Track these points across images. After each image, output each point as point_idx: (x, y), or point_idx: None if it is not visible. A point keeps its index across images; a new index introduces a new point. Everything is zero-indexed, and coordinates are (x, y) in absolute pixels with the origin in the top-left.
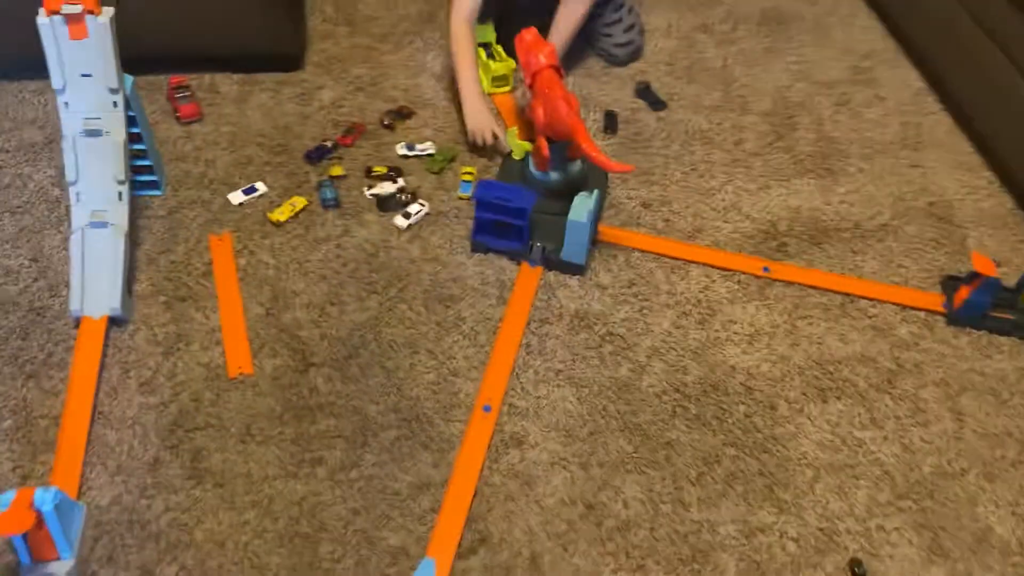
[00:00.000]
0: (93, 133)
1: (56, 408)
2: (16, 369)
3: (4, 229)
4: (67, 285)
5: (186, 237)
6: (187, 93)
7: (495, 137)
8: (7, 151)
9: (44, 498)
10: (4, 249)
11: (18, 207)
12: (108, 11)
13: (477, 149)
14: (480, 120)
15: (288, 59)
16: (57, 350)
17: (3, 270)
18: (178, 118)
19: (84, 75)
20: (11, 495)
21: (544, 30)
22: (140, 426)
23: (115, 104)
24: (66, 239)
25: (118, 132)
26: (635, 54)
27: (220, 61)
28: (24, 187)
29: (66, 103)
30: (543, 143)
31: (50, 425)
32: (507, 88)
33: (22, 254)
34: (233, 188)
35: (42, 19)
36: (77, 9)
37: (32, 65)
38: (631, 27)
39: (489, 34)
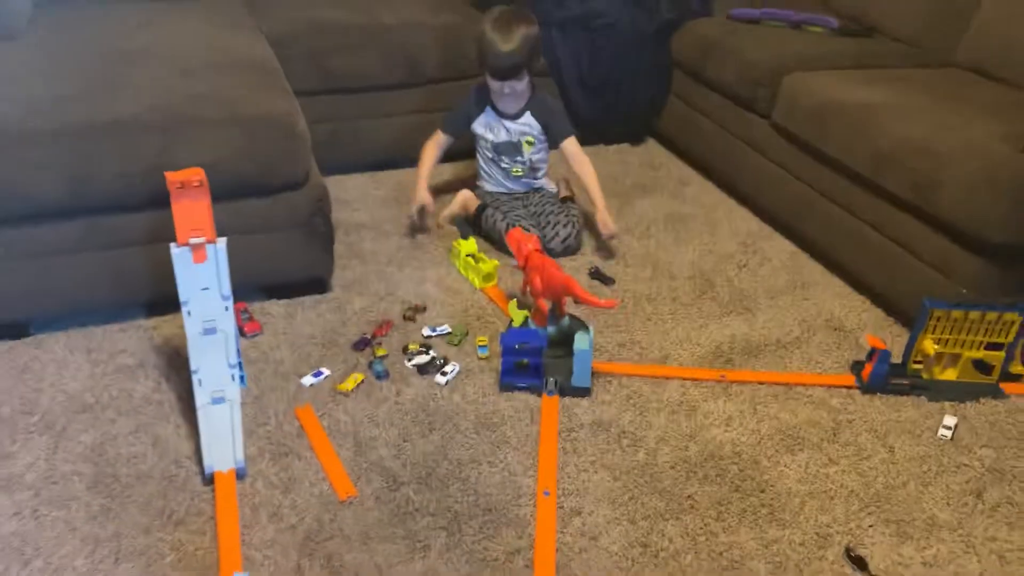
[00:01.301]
0: (209, 331)
1: (207, 543)
2: (164, 520)
3: (124, 427)
4: (188, 458)
5: (275, 412)
6: (248, 315)
7: (422, 210)
8: (108, 374)
9: None
10: (128, 440)
11: (128, 410)
12: (222, 240)
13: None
14: (419, 196)
15: (321, 283)
16: (195, 502)
17: (131, 455)
18: (244, 333)
19: (203, 288)
20: None
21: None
22: (279, 545)
23: (226, 308)
24: (176, 428)
25: (229, 328)
26: (571, 250)
27: (267, 289)
28: (131, 397)
29: (189, 312)
30: (543, 304)
31: (205, 554)
32: (494, 282)
33: (144, 442)
34: (301, 376)
35: (175, 249)
36: (201, 240)
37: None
38: (571, 234)
39: (471, 246)
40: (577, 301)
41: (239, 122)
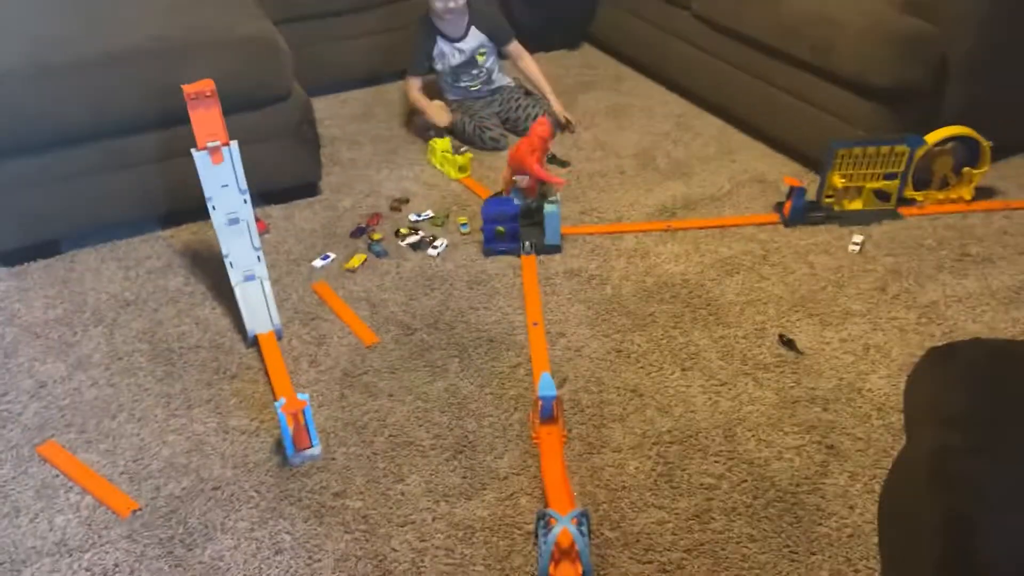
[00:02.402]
0: (233, 221)
1: (260, 388)
2: (221, 376)
3: (167, 313)
4: (229, 331)
5: (295, 289)
6: (255, 217)
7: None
8: (140, 276)
9: (304, 397)
10: (174, 323)
11: (167, 301)
12: (234, 143)
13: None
14: (439, 115)
15: (312, 187)
16: (244, 360)
17: (180, 333)
18: None
19: (223, 185)
20: (282, 401)
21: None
22: (322, 382)
23: (244, 201)
24: (212, 309)
25: (250, 218)
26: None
27: (265, 195)
28: (166, 291)
29: (213, 206)
30: (505, 176)
31: (262, 395)
32: (468, 172)
33: (187, 323)
34: (311, 260)
35: (196, 153)
36: (217, 143)
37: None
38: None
39: (446, 143)
40: (532, 175)
41: (229, 44)
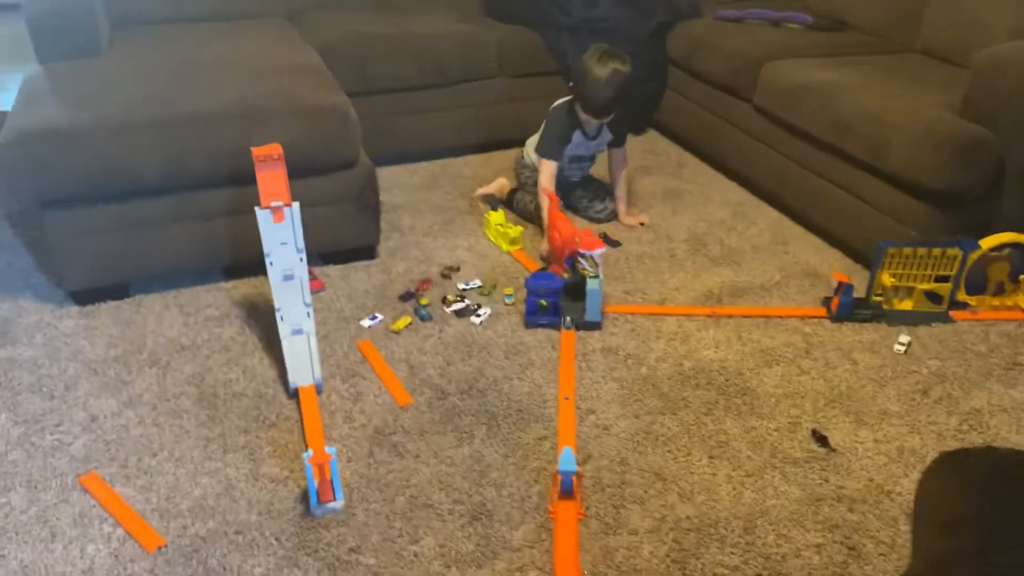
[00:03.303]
0: (288, 277)
1: (295, 439)
2: (259, 424)
3: (217, 360)
4: (274, 381)
5: (340, 346)
6: (312, 276)
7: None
8: (199, 323)
9: (331, 451)
10: (223, 369)
11: (219, 349)
12: (296, 204)
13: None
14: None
15: (370, 250)
16: (283, 411)
17: (227, 380)
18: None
19: (282, 243)
20: (309, 452)
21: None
22: (353, 438)
23: (300, 260)
24: (260, 360)
25: (303, 275)
26: (610, 218)
27: (325, 256)
28: (220, 339)
29: (271, 262)
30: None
31: (295, 446)
32: (519, 246)
33: (236, 371)
34: (360, 319)
35: (260, 211)
36: (279, 204)
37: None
38: (607, 208)
39: (500, 216)
40: (578, 245)
41: (302, 112)
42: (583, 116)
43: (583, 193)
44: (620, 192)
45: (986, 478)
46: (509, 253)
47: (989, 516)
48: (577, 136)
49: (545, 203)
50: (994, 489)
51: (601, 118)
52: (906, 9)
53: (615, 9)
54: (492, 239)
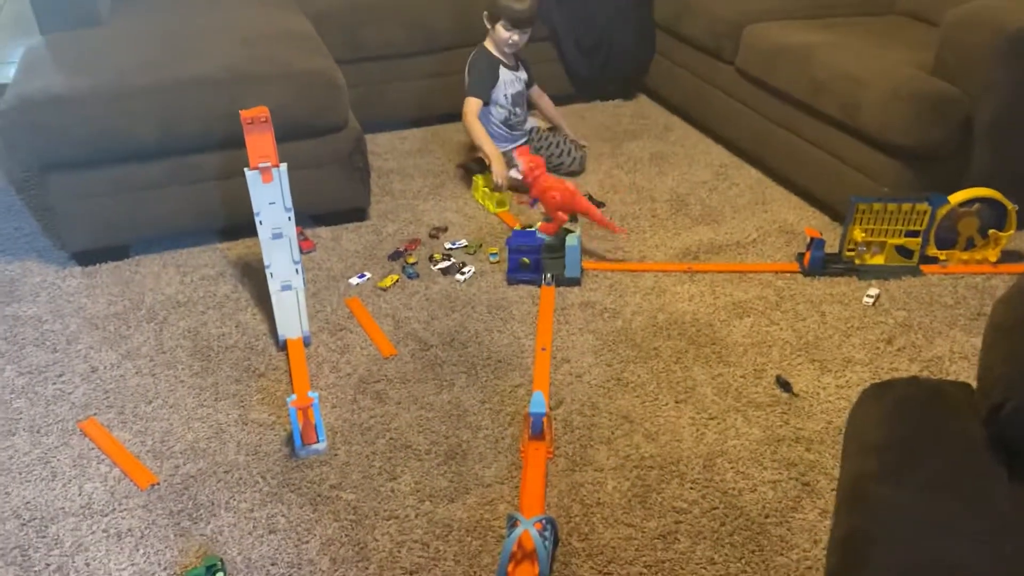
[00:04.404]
0: (277, 235)
1: (283, 387)
2: (250, 374)
3: (212, 316)
4: (264, 335)
5: (329, 302)
6: (303, 236)
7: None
8: (195, 281)
9: (313, 395)
10: (216, 324)
11: (214, 305)
12: (283, 164)
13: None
14: (503, 172)
15: (360, 212)
16: (272, 362)
17: (220, 334)
18: (301, 250)
19: (271, 203)
20: (292, 396)
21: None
22: (338, 387)
23: (288, 219)
24: (253, 315)
25: (292, 234)
26: (582, 166)
27: (316, 217)
28: (215, 296)
29: (260, 221)
30: (562, 216)
31: (283, 394)
32: (506, 208)
33: (229, 325)
34: (349, 277)
35: (249, 172)
36: (267, 164)
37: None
38: (579, 157)
39: (486, 181)
40: (585, 216)
41: (292, 76)
42: (503, 36)
43: (548, 154)
44: (560, 120)
45: (904, 405)
46: (496, 215)
47: (904, 440)
48: (503, 72)
49: (478, 136)
50: (911, 415)
51: (524, 28)
52: None
53: None
54: (480, 201)
